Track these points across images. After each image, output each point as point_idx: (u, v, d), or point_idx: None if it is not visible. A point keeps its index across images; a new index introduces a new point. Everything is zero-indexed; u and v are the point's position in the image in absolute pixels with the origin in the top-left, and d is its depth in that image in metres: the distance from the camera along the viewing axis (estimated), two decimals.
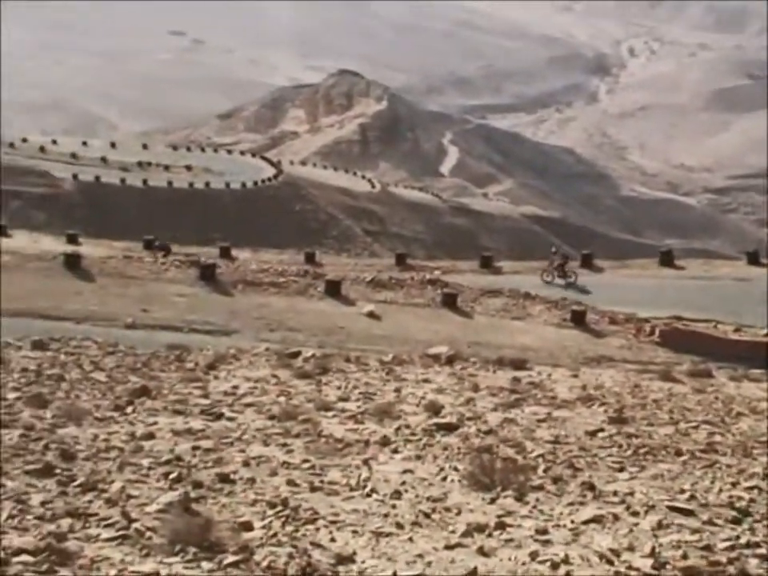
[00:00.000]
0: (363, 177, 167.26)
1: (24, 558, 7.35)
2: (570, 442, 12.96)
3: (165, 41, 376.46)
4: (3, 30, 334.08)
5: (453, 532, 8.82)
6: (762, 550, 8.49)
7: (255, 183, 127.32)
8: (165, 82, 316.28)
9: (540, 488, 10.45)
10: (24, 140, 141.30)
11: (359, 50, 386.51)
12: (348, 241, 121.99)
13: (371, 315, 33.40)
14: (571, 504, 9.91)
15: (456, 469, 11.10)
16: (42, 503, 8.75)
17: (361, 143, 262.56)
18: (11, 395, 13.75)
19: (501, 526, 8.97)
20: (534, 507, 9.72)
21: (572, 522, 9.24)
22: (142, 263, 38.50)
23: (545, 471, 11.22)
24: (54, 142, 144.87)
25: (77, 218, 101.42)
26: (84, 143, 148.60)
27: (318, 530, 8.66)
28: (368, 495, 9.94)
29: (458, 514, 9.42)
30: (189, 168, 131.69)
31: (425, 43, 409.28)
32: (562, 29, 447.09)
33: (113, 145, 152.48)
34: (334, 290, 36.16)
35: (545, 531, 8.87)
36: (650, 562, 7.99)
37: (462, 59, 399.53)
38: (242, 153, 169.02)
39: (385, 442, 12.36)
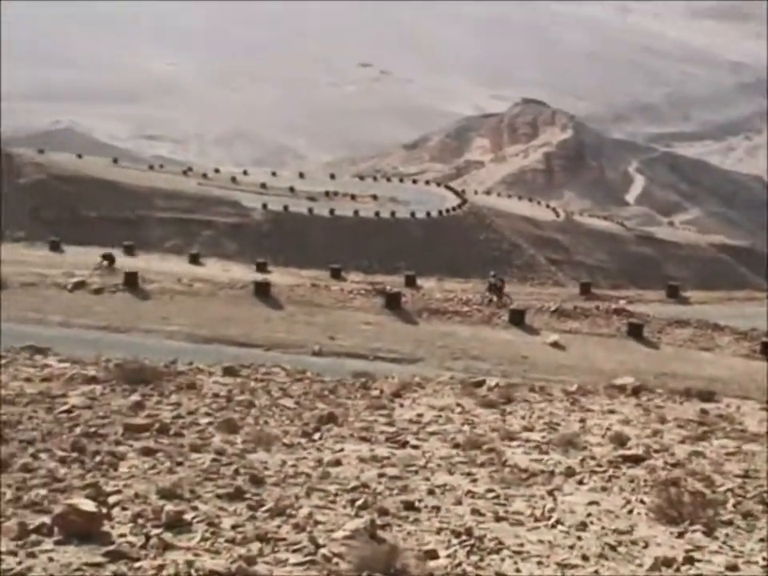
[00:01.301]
0: (548, 206, 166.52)
1: None
2: (760, 476, 12.58)
3: (353, 72, 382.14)
4: (189, 64, 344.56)
5: (640, 565, 8.66)
6: None
7: (440, 212, 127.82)
8: (352, 113, 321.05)
9: (729, 523, 10.18)
10: (216, 170, 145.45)
11: (544, 78, 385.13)
12: (532, 270, 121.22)
13: (555, 345, 33.11)
14: (762, 540, 9.62)
15: (643, 501, 10.89)
16: (233, 527, 8.92)
17: (545, 172, 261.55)
18: (203, 420, 14.08)
19: (689, 560, 8.76)
20: (724, 543, 9.47)
21: (764, 558, 8.97)
22: (329, 291, 39.04)
23: (734, 506, 10.92)
24: (245, 172, 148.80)
25: (266, 247, 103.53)
26: (273, 173, 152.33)
27: (502, 560, 8.61)
28: (553, 526, 9.83)
29: (645, 547, 9.25)
30: (375, 197, 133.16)
31: (609, 71, 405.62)
32: (750, 54, 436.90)
33: (301, 175, 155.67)
34: (518, 319, 36.00)
35: (735, 567, 8.63)
36: None
37: (646, 86, 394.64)
38: (427, 182, 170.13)
39: (570, 472, 12.22)
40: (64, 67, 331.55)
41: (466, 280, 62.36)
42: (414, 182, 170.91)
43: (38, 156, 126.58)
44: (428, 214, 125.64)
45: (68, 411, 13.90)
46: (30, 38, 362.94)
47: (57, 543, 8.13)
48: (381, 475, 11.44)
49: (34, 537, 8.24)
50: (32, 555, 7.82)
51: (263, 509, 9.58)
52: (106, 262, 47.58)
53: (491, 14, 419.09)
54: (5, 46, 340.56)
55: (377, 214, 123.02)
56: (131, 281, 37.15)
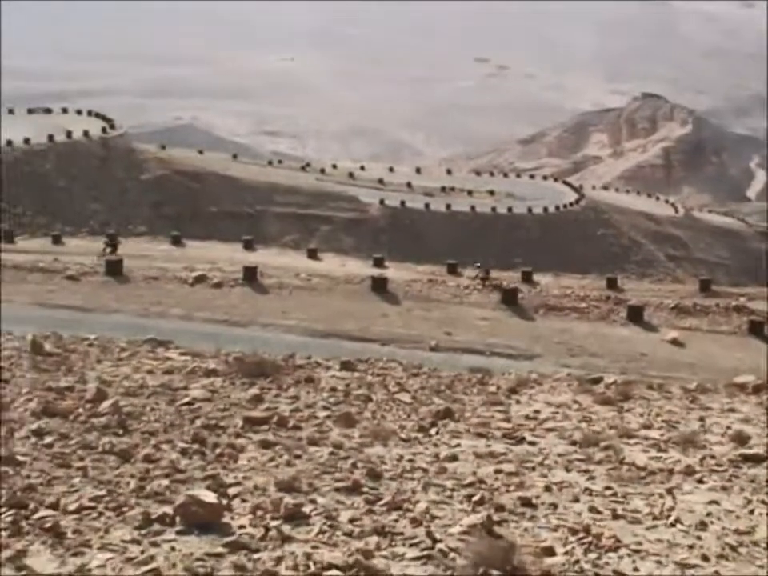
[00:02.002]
0: (666, 201, 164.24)
1: (334, 572, 7.57)
2: None
3: (469, 67, 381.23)
4: (308, 60, 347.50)
5: (761, 567, 8.51)
6: None
7: (557, 208, 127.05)
8: (469, 108, 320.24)
9: None
10: (334, 166, 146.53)
11: (663, 73, 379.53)
12: (650, 266, 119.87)
13: (674, 342, 32.67)
14: None
15: (764, 502, 10.68)
16: (351, 520, 8.97)
17: (664, 167, 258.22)
18: (321, 414, 14.19)
19: None
20: None
21: None
22: (446, 287, 39.05)
23: None
24: (363, 168, 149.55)
25: (383, 242, 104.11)
26: (390, 169, 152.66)
27: (620, 558, 8.52)
28: (672, 525, 9.69)
29: (767, 548, 9.08)
30: (492, 193, 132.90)
31: (730, 65, 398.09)
32: None
33: (418, 170, 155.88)
34: (636, 315, 35.60)
35: None
36: None
37: None
38: (545, 177, 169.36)
39: (689, 471, 12.03)
40: (185, 65, 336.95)
41: (584, 276, 61.86)
42: (531, 177, 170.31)
43: (160, 152, 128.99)
44: (545, 209, 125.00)
45: (189, 403, 14.13)
46: (151, 37, 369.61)
47: (178, 533, 8.27)
48: (497, 471, 11.40)
49: (156, 526, 8.40)
50: (155, 544, 7.98)
51: (380, 503, 9.61)
52: (109, 249, 48.40)
53: (609, 8, 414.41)
54: (128, 44, 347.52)
55: (493, 209, 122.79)
56: (250, 275, 37.61)
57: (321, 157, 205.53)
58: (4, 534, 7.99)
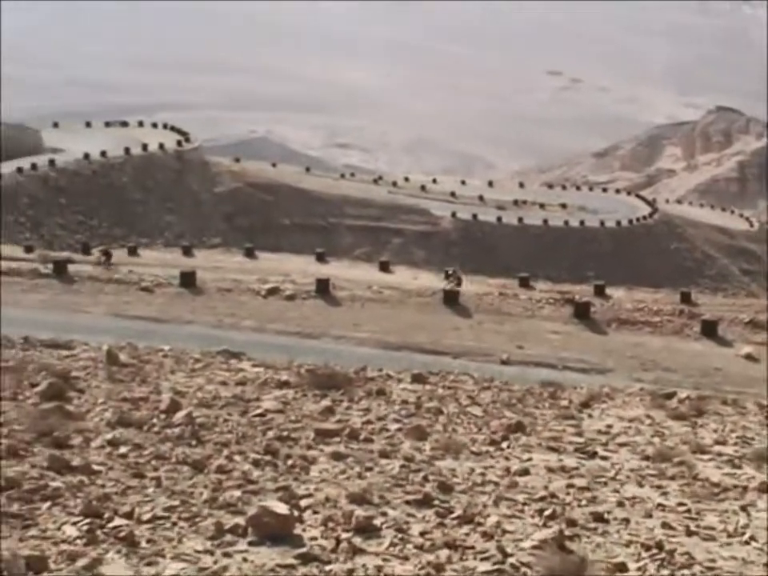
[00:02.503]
0: (741, 215, 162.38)
1: None
2: None
3: (542, 80, 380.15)
4: (381, 74, 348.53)
5: None
6: None
7: (630, 221, 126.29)
8: (541, 122, 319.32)
9: None
10: (406, 179, 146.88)
11: (738, 86, 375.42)
12: (724, 280, 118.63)
13: (749, 357, 32.20)
14: None
15: None
16: (422, 533, 8.98)
17: (739, 181, 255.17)
18: (393, 426, 14.21)
19: None
20: None
21: None
22: (518, 300, 38.90)
23: None
24: (434, 181, 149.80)
25: (454, 255, 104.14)
26: (462, 182, 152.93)
27: (693, 575, 8.46)
28: (746, 543, 9.58)
29: None
30: (564, 206, 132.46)
31: None
32: None
33: (490, 183, 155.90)
34: (710, 330, 35.18)
35: None
36: None
37: None
38: (617, 191, 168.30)
39: (764, 488, 11.86)
40: (262, 78, 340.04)
41: (657, 290, 61.19)
42: (604, 190, 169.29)
43: (233, 165, 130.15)
44: (618, 222, 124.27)
45: (261, 415, 14.22)
46: (229, 50, 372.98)
47: (250, 544, 8.34)
48: (569, 486, 11.35)
49: (229, 537, 8.47)
50: (227, 555, 8.05)
51: (452, 516, 9.61)
52: (104, 258, 48.76)
53: (684, 21, 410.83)
54: (206, 58, 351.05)
55: (566, 222, 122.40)
56: (323, 287, 37.76)
57: (393, 170, 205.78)
58: (80, 542, 8.12)
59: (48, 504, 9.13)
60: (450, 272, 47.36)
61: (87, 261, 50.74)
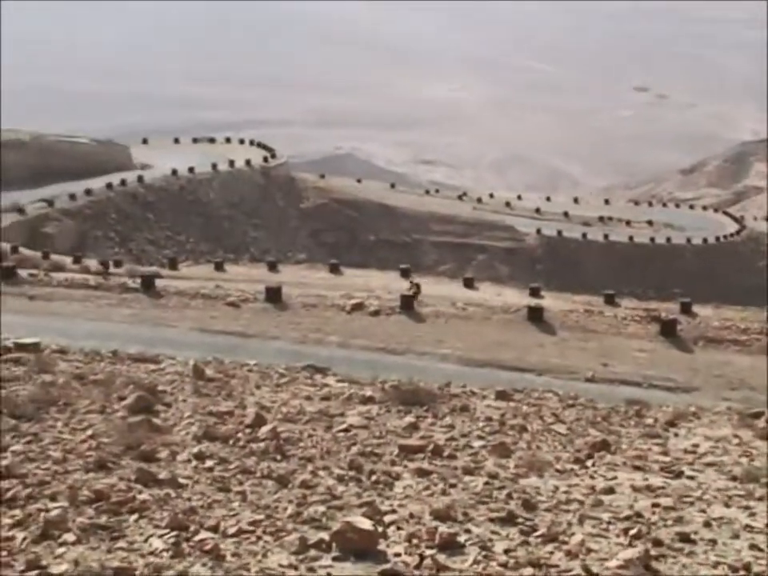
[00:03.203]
0: None
1: None
2: None
3: (628, 97, 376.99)
4: (467, 91, 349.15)
5: None
6: None
7: (717, 239, 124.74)
8: (628, 138, 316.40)
9: None
10: (491, 195, 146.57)
11: None
12: None
13: None
14: None
15: None
16: (506, 551, 8.96)
17: None
18: (476, 443, 14.19)
19: None
20: None
21: None
22: (603, 317, 38.58)
23: None
24: (519, 197, 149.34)
25: (539, 272, 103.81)
26: (547, 198, 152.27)
27: None
28: None
29: None
30: (650, 223, 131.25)
31: None
32: None
33: (575, 200, 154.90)
34: None
35: None
36: None
37: None
38: (704, 208, 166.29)
39: None
40: (348, 95, 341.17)
41: (744, 308, 60.29)
42: (691, 207, 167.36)
43: (319, 181, 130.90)
44: (704, 240, 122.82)
45: (346, 430, 14.29)
46: (317, 67, 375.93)
47: (335, 559, 8.38)
48: (655, 505, 11.24)
49: (313, 552, 8.53)
50: (311, 570, 8.10)
51: (536, 534, 9.57)
52: (101, 267, 49.35)
53: (762, 36, 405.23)
54: (293, 74, 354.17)
55: (652, 239, 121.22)
56: (407, 304, 37.78)
57: (477, 186, 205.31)
58: (166, 554, 8.22)
59: (135, 516, 9.28)
60: (411, 279, 48.38)
61: (177, 276, 51.35)
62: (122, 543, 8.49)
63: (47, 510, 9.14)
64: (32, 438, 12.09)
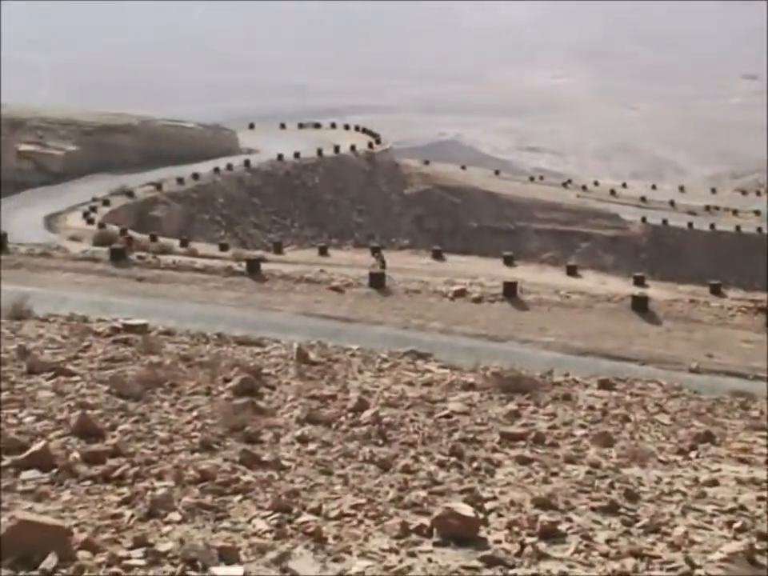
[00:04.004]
0: None
1: None
2: None
3: (736, 84, 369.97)
4: (573, 78, 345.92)
5: None
6: None
7: None
8: (735, 126, 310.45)
9: None
10: (596, 183, 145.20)
11: None
12: None
13: None
14: None
15: None
16: (607, 540, 8.90)
17: None
18: (578, 432, 14.11)
19: None
20: None
21: None
22: (708, 308, 38.06)
23: None
24: (624, 185, 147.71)
25: (643, 260, 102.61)
26: (653, 187, 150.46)
27: None
28: None
29: None
30: (757, 213, 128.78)
31: None
32: None
33: (681, 189, 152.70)
34: None
35: None
36: None
37: None
38: None
39: None
40: (453, 81, 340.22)
41: None
42: None
43: (423, 167, 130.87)
44: None
45: (447, 416, 14.29)
46: (422, 54, 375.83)
47: (435, 545, 8.40)
48: (760, 498, 11.05)
49: (414, 537, 8.56)
50: (412, 555, 8.13)
51: (638, 525, 9.50)
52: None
53: None
54: (399, 61, 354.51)
55: (759, 229, 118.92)
56: (510, 291, 37.68)
57: (582, 173, 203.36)
58: (269, 535, 8.33)
59: (239, 497, 9.41)
60: (376, 253, 48.22)
61: (282, 260, 51.76)
62: (225, 523, 8.61)
63: (154, 489, 9.30)
64: (139, 418, 12.31)
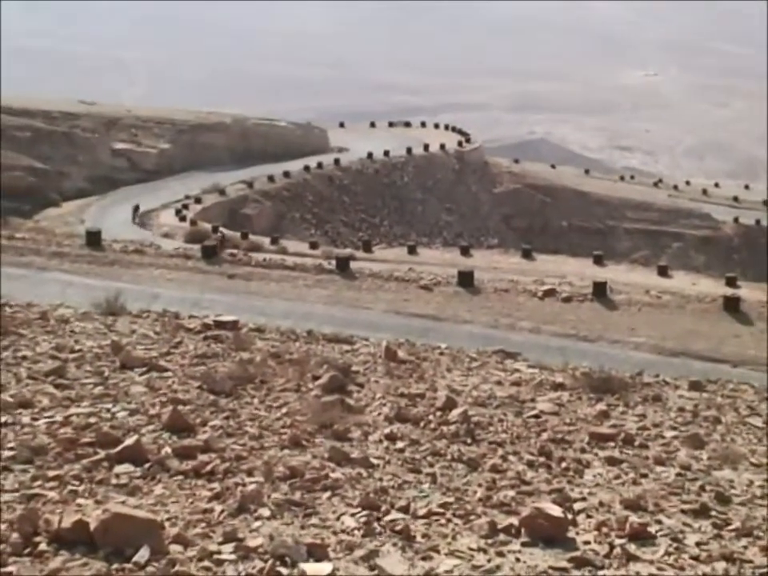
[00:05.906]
0: None
1: None
2: None
3: None
4: (667, 76, 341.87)
5: None
6: None
7: None
8: None
9: None
10: (687, 183, 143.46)
11: None
12: None
13: None
14: None
15: None
16: (698, 544, 8.82)
17: None
18: (668, 433, 13.97)
19: None
20: None
21: None
22: None
23: None
24: (717, 185, 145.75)
25: (735, 261, 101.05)
26: (746, 186, 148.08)
27: None
28: None
29: None
30: None
31: None
32: None
33: None
34: None
35: None
36: None
37: None
38: None
39: None
40: (544, 80, 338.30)
41: None
42: None
43: (512, 165, 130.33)
44: None
45: (536, 416, 14.26)
46: (505, 54, 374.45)
47: (523, 545, 8.40)
48: None
49: (502, 536, 8.56)
50: (500, 554, 8.13)
51: (729, 528, 9.40)
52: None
53: None
54: (490, 60, 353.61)
55: None
56: (600, 290, 37.40)
57: (673, 173, 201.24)
58: (357, 533, 8.38)
59: (328, 494, 9.47)
60: (219, 231, 49.40)
61: (371, 258, 51.92)
62: (314, 520, 8.68)
63: (244, 485, 9.41)
64: (230, 414, 12.43)
